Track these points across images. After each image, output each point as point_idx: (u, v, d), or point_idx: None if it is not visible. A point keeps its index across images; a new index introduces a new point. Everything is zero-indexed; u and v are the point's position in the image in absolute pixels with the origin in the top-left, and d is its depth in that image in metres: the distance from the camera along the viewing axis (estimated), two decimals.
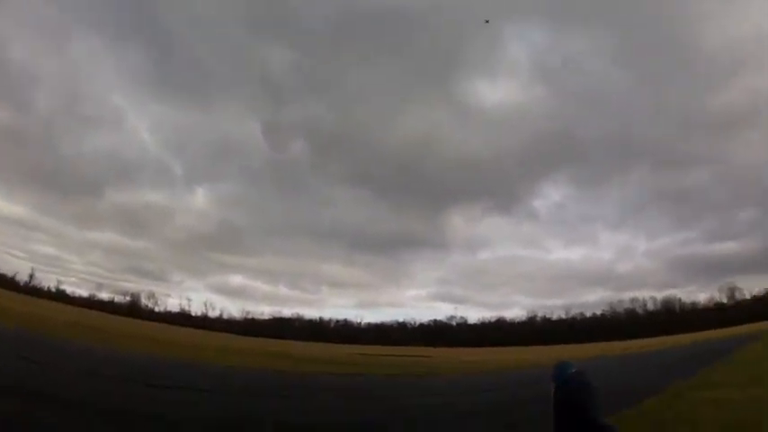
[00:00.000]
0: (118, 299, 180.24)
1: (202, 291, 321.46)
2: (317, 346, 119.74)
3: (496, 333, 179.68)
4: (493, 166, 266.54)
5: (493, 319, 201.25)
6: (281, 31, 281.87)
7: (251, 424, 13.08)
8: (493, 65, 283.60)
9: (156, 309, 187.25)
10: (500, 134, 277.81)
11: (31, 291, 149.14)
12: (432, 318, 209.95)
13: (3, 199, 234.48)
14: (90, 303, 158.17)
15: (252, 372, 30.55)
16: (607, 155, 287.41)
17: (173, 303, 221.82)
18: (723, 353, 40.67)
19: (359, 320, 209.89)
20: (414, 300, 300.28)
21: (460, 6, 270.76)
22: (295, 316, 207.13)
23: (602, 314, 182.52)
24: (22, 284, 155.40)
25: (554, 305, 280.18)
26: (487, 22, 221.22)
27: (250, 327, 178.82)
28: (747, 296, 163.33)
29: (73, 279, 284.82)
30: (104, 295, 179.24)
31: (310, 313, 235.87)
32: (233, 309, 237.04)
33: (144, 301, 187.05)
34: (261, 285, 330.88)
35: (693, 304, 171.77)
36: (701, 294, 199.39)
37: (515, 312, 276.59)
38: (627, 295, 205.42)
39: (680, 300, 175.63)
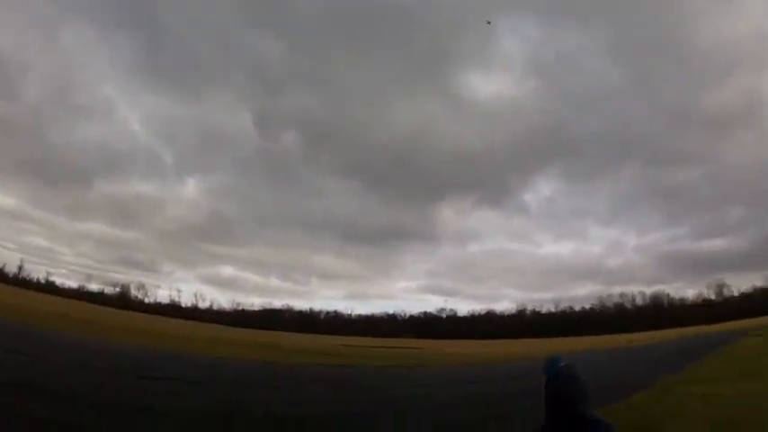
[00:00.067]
0: (108, 290, 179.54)
1: (192, 282, 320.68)
2: (307, 337, 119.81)
3: (486, 326, 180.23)
4: (485, 159, 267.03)
5: (482, 312, 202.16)
6: (274, 22, 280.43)
7: (240, 415, 13.08)
8: (487, 58, 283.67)
9: (146, 300, 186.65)
10: (492, 128, 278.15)
11: (21, 282, 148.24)
12: (422, 310, 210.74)
13: None
14: (80, 295, 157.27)
15: (242, 363, 30.53)
16: (599, 150, 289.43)
17: (163, 294, 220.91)
18: (711, 348, 41.10)
19: (349, 312, 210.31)
20: (404, 292, 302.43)
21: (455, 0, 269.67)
22: (285, 307, 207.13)
23: (591, 308, 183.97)
24: (11, 276, 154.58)
25: (543, 299, 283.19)
26: (489, 23, 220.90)
27: (240, 318, 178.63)
28: (735, 293, 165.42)
29: (63, 270, 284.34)
30: (94, 287, 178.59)
31: (300, 304, 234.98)
32: (223, 300, 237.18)
33: (134, 292, 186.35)
34: (251, 276, 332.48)
35: (682, 300, 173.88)
36: (689, 290, 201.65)
37: (505, 305, 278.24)
38: (616, 290, 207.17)
39: (668, 295, 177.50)
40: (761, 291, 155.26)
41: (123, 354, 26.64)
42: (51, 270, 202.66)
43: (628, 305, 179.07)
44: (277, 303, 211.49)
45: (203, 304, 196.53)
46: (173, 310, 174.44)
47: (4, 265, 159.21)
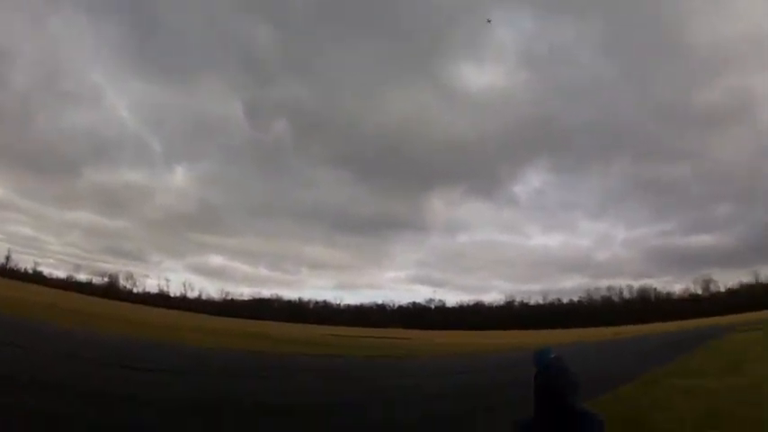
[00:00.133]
0: (96, 280, 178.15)
1: (181, 271, 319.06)
2: (296, 327, 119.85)
3: (474, 317, 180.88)
4: (475, 150, 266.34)
5: (471, 303, 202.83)
6: (264, 9, 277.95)
7: (227, 405, 13.06)
8: (479, 49, 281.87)
9: (135, 290, 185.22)
10: (483, 118, 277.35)
11: (8, 273, 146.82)
12: (410, 300, 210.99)
13: None
14: (68, 285, 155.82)
15: (230, 352, 30.51)
16: (589, 144, 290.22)
17: (151, 284, 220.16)
18: (698, 342, 41.53)
19: (338, 302, 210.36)
20: (393, 282, 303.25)
21: None
22: (274, 297, 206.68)
23: (578, 301, 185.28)
24: None
25: (532, 290, 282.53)
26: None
27: (229, 307, 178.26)
28: (722, 289, 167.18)
29: (50, 260, 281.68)
30: (82, 276, 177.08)
31: (290, 294, 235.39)
32: (212, 289, 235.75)
33: (122, 281, 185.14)
34: (240, 266, 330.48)
35: (669, 294, 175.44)
36: (676, 285, 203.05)
37: (493, 297, 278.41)
38: (604, 283, 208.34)
39: (656, 290, 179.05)
40: (747, 287, 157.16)
41: (111, 344, 26.52)
42: (39, 260, 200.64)
43: (615, 298, 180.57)
44: (266, 293, 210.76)
45: (192, 294, 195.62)
46: (161, 299, 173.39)
47: None
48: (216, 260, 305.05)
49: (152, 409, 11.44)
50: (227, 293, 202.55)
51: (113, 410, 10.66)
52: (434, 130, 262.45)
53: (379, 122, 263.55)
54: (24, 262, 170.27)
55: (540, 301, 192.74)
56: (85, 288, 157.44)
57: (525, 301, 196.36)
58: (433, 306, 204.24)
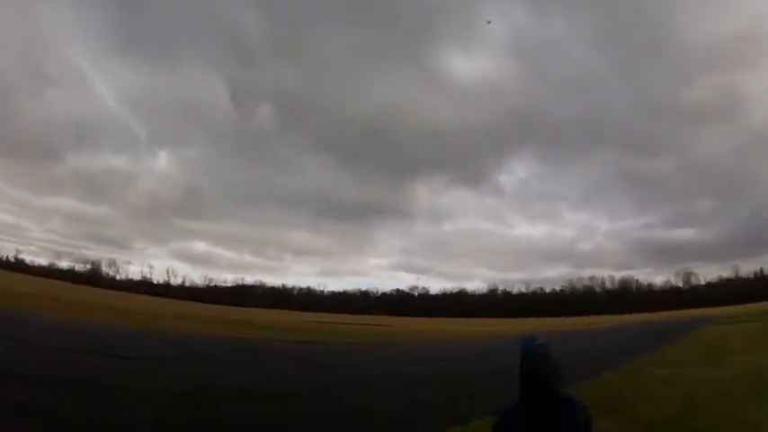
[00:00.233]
0: (78, 267, 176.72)
1: (165, 258, 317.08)
2: (279, 313, 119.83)
3: (458, 304, 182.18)
4: (461, 138, 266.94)
5: (454, 291, 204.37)
6: None
7: (209, 392, 13.01)
8: (469, 37, 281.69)
9: (118, 277, 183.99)
10: (470, 107, 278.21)
11: None
12: (394, 287, 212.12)
13: None
14: (50, 272, 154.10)
15: (213, 339, 30.42)
16: (576, 136, 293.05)
17: (134, 271, 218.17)
18: (678, 333, 42.09)
19: (321, 289, 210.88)
20: (376, 269, 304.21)
21: None
22: (258, 283, 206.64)
23: (561, 290, 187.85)
24: None
25: (515, 279, 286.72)
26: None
27: (212, 294, 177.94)
28: (702, 282, 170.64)
29: (32, 248, 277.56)
30: (64, 264, 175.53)
31: (273, 281, 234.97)
32: (195, 276, 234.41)
33: (105, 269, 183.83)
34: (224, 252, 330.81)
35: (650, 286, 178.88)
36: (657, 277, 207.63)
37: (476, 285, 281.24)
38: (586, 273, 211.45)
39: (637, 281, 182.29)
40: (727, 281, 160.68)
41: (95, 332, 26.23)
42: (20, 248, 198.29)
43: (597, 288, 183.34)
44: (250, 279, 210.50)
45: (175, 280, 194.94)
46: (144, 286, 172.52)
47: None
48: (199, 246, 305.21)
49: (137, 397, 11.36)
50: (211, 280, 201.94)
51: (99, 401, 10.55)
52: (421, 118, 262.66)
53: (365, 109, 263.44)
54: (5, 250, 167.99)
55: (523, 290, 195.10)
56: (68, 275, 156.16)
57: (508, 289, 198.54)
58: (416, 293, 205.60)
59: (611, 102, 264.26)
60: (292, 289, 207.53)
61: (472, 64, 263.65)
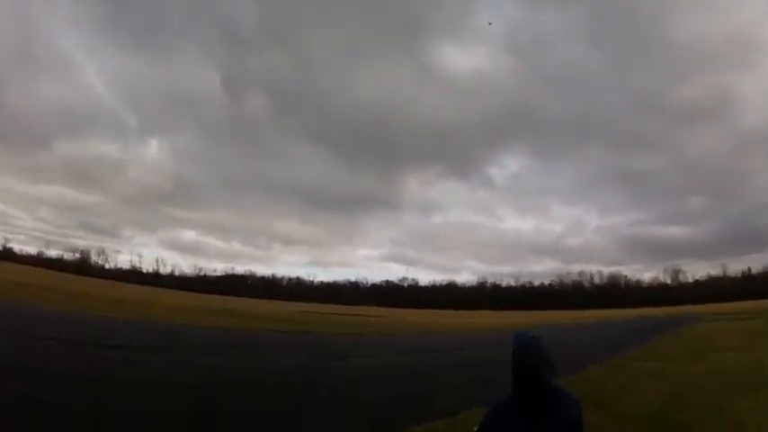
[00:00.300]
0: (67, 256, 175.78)
1: (154, 247, 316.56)
2: (268, 303, 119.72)
3: (446, 296, 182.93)
4: (453, 131, 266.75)
5: (444, 283, 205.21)
6: None
7: (201, 383, 13.02)
8: (463, 31, 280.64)
9: (107, 266, 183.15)
10: (463, 100, 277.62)
11: None
12: (383, 278, 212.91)
13: None
14: (39, 261, 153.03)
15: (202, 329, 30.32)
16: (567, 131, 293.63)
17: (123, 260, 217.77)
18: (665, 329, 42.44)
19: (311, 279, 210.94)
20: (366, 260, 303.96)
21: None
22: (248, 273, 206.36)
23: (549, 284, 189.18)
24: None
25: (504, 272, 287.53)
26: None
27: (202, 283, 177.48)
28: (690, 280, 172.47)
29: (21, 236, 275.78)
30: (53, 253, 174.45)
31: (263, 270, 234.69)
32: (185, 265, 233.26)
33: (94, 257, 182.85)
34: (214, 241, 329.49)
35: (638, 282, 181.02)
36: (646, 273, 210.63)
37: (466, 277, 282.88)
38: (575, 268, 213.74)
39: (625, 277, 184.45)
40: (715, 279, 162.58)
41: (84, 322, 26.07)
42: (9, 236, 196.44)
43: (586, 283, 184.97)
44: (239, 269, 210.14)
45: (165, 270, 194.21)
46: (134, 275, 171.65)
47: None
48: (189, 235, 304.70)
49: (126, 387, 11.35)
50: (200, 269, 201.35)
51: (90, 391, 10.54)
52: (413, 110, 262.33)
53: (357, 99, 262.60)
54: None
55: (512, 284, 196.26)
56: (56, 264, 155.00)
57: (497, 282, 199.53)
58: (405, 285, 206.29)
59: (603, 98, 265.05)
60: (282, 279, 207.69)
61: (466, 57, 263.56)
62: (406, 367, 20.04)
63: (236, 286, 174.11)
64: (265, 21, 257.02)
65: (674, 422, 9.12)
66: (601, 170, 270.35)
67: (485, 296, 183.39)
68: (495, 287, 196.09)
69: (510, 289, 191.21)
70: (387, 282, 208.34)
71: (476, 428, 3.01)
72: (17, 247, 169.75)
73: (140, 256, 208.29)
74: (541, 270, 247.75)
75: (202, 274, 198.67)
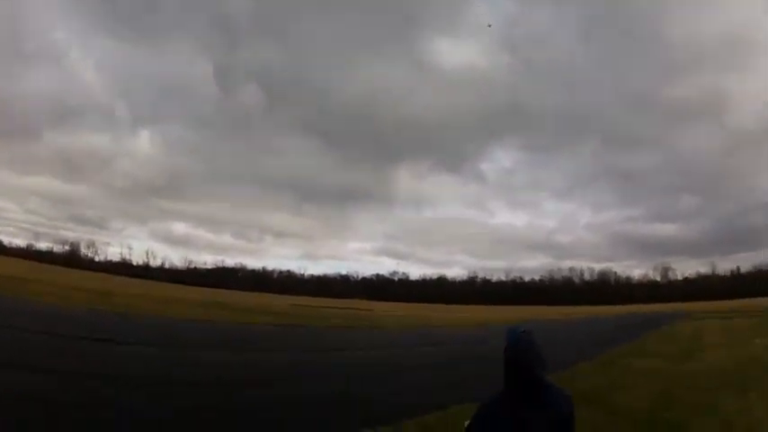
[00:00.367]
0: (57, 248, 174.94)
1: (144, 239, 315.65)
2: (259, 296, 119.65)
3: (437, 291, 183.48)
4: (445, 125, 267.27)
5: (434, 277, 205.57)
6: None
7: (190, 377, 12.98)
8: (457, 26, 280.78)
9: (97, 258, 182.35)
10: (456, 95, 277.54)
11: None
12: (374, 272, 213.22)
13: None
14: (28, 254, 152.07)
15: (193, 323, 30.21)
16: (560, 127, 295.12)
17: (113, 252, 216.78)
18: (654, 326, 42.72)
19: (302, 272, 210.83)
20: (357, 253, 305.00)
21: None
22: (238, 266, 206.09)
23: (540, 280, 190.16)
24: None
25: (494, 267, 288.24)
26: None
27: (192, 276, 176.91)
28: (679, 277, 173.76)
29: (10, 228, 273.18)
30: (43, 245, 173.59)
31: (254, 263, 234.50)
32: (175, 257, 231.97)
33: (84, 250, 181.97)
34: (204, 234, 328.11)
35: (628, 279, 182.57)
36: (636, 270, 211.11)
37: (456, 271, 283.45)
38: (566, 264, 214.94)
39: (615, 273, 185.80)
40: (704, 277, 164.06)
41: (73, 316, 25.84)
42: None
43: (576, 279, 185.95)
44: (230, 262, 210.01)
45: (155, 262, 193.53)
46: (123, 268, 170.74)
47: None
48: (180, 227, 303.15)
49: (120, 383, 11.31)
50: (191, 262, 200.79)
51: (77, 385, 10.48)
52: (406, 104, 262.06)
53: (350, 93, 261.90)
54: None
55: (503, 279, 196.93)
56: (46, 257, 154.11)
57: (488, 277, 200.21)
58: (396, 278, 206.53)
59: (596, 95, 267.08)
60: (273, 272, 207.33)
61: (459, 52, 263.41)
62: (396, 362, 20.05)
63: (226, 279, 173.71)
64: (259, 13, 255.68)
65: (664, 420, 9.17)
66: (593, 167, 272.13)
67: (475, 291, 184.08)
68: (486, 282, 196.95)
69: (500, 284, 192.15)
70: (377, 275, 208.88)
71: (467, 423, 3.00)
72: (6, 240, 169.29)
73: (130, 248, 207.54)
74: (532, 265, 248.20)
75: (193, 266, 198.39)
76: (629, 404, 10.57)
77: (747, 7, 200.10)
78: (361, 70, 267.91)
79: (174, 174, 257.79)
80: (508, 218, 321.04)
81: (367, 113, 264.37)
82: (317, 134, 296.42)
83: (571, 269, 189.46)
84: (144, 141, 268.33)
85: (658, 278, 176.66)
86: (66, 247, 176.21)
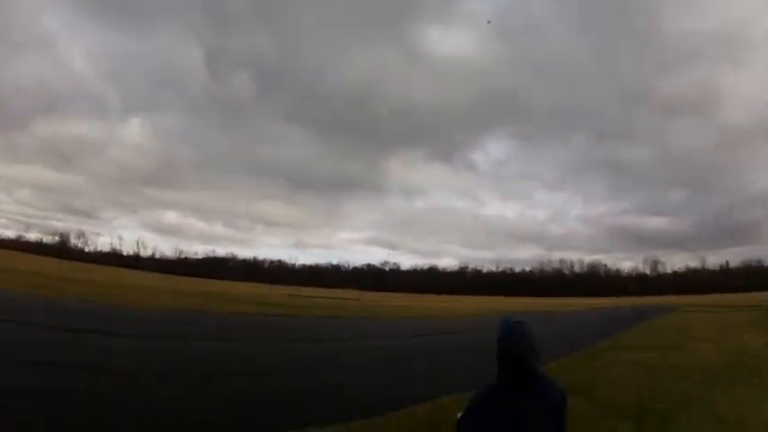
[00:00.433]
0: (47, 239, 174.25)
1: (135, 228, 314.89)
2: (250, 286, 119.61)
3: (428, 281, 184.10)
4: (438, 115, 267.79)
5: (425, 267, 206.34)
6: None
7: (180, 368, 12.94)
8: (451, 15, 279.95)
9: (86, 248, 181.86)
10: (449, 84, 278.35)
11: None
12: (365, 262, 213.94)
13: None
14: (18, 245, 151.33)
15: (183, 313, 30.11)
16: (553, 118, 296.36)
17: (103, 242, 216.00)
18: (643, 319, 43.04)
19: (293, 261, 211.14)
20: (348, 243, 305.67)
21: None
22: (229, 256, 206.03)
23: (530, 271, 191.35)
24: None
25: (485, 258, 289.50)
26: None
27: (183, 266, 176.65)
28: (669, 271, 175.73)
29: (2, 220, 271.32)
30: (32, 236, 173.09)
31: (245, 253, 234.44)
32: (166, 247, 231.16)
33: (74, 240, 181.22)
34: (196, 222, 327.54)
35: (618, 271, 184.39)
36: (626, 263, 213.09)
37: (447, 262, 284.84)
38: (556, 255, 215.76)
39: (605, 266, 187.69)
40: (693, 271, 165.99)
41: (65, 308, 25.65)
42: None
43: (566, 271, 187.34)
44: (221, 251, 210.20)
45: (145, 252, 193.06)
46: (113, 258, 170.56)
47: None
48: (170, 217, 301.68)
49: (114, 374, 11.27)
50: (181, 252, 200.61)
51: (71, 378, 10.44)
52: (398, 93, 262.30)
53: (343, 81, 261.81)
54: None
55: (493, 269, 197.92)
56: (36, 248, 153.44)
57: (478, 268, 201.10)
58: (387, 268, 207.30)
59: (590, 87, 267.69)
60: (264, 261, 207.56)
61: (452, 41, 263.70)
62: (386, 352, 20.06)
63: (217, 269, 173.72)
64: (252, 0, 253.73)
65: (653, 411, 9.21)
66: (585, 158, 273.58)
67: (466, 281, 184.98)
68: (477, 272, 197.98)
69: (491, 275, 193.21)
70: (368, 265, 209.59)
71: (460, 415, 2.98)
72: None
73: (121, 238, 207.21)
74: (523, 256, 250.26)
75: (183, 256, 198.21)
76: (617, 396, 10.62)
77: (741, 3, 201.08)
78: (354, 59, 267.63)
79: (164, 162, 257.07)
80: (499, 208, 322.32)
81: (359, 102, 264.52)
82: (308, 123, 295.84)
83: (561, 261, 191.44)
84: (134, 130, 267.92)
85: (648, 271, 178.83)
86: (56, 238, 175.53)
